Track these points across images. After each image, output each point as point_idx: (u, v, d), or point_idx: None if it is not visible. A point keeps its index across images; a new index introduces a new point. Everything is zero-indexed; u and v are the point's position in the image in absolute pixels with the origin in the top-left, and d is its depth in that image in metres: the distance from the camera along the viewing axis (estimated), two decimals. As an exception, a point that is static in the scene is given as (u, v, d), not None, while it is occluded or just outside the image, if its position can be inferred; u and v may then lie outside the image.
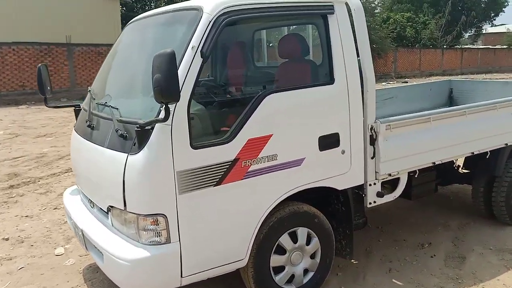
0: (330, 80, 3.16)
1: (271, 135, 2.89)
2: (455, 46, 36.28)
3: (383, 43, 27.25)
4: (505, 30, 46.05)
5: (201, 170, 2.66)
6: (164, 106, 2.39)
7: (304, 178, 3.10)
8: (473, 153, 4.10)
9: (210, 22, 2.66)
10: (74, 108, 3.73)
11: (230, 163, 2.75)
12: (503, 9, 42.75)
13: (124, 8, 22.22)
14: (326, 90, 3.16)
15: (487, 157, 4.27)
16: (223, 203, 2.79)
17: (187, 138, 2.59)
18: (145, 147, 2.53)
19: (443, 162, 3.94)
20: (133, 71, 3.22)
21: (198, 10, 2.74)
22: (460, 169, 4.90)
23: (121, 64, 3.45)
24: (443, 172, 4.58)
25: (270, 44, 4.59)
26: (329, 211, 3.48)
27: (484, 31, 47.13)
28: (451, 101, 6.52)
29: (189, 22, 2.74)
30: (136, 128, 2.52)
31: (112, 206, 2.82)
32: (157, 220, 2.60)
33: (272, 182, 2.95)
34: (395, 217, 4.99)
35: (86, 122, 3.20)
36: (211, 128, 2.91)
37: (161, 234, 2.63)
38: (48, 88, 3.49)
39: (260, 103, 2.84)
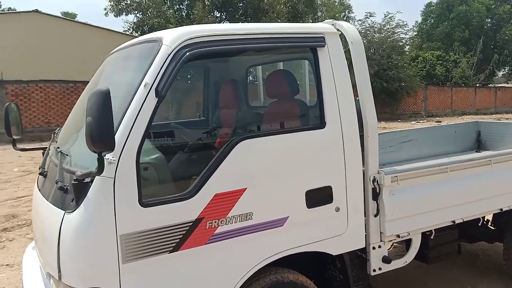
0: (321, 124, 2.67)
1: (245, 189, 2.40)
2: (489, 85, 35.14)
3: (412, 81, 26.61)
4: (541, 69, 44.51)
5: (153, 233, 2.18)
6: (97, 156, 1.96)
7: (287, 242, 2.56)
8: (501, 209, 3.46)
9: (168, 55, 2.25)
10: (42, 151, 3.36)
11: (191, 224, 2.26)
12: (538, 47, 41.45)
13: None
14: (316, 135, 2.66)
15: (520, 213, 3.61)
16: (181, 274, 2.28)
17: (135, 194, 2.13)
18: (81, 204, 2.09)
19: (464, 220, 3.31)
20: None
21: (157, 41, 2.35)
22: (489, 224, 4.22)
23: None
24: (467, 229, 3.93)
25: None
26: (325, 277, 2.92)
27: (519, 70, 45.76)
28: (479, 145, 5.86)
29: (146, 55, 2.34)
30: (73, 181, 2.09)
31: (50, 274, 2.36)
32: None
33: (246, 247, 2.43)
34: (410, 279, 4.29)
35: (40, 169, 2.80)
36: (170, 181, 2.45)
37: None
38: (18, 129, 3.14)
39: (231, 150, 2.38)
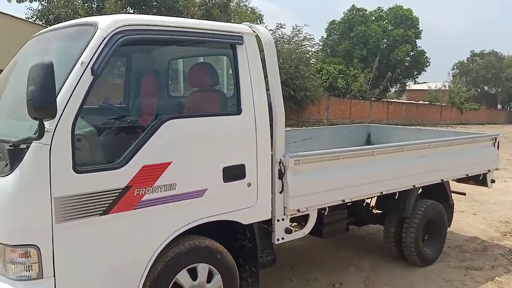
0: (237, 111, 3.08)
1: (169, 163, 2.71)
2: (382, 99, 38.73)
3: (316, 91, 28.45)
4: (426, 88, 50.09)
5: (85, 197, 2.40)
6: (38, 122, 2.15)
7: (205, 211, 2.92)
8: (382, 193, 4.16)
9: (104, 38, 2.49)
10: None
11: (120, 190, 2.52)
12: (425, 68, 46.76)
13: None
14: (232, 120, 3.07)
15: (396, 197, 4.35)
16: (109, 235, 2.52)
17: (69, 161, 2.34)
18: (17, 168, 2.24)
19: (352, 200, 3.94)
20: (21, 87, 2.94)
21: (93, 25, 2.58)
22: (373, 209, 4.97)
23: (13, 79, 3.16)
24: (355, 212, 4.62)
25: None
26: (236, 247, 3.31)
27: (408, 87, 51.02)
28: (368, 144, 6.74)
29: (83, 37, 2.55)
30: (8, 147, 2.24)
31: None
32: (28, 252, 2.28)
33: (169, 214, 2.74)
34: (310, 256, 4.91)
35: None
36: (102, 151, 2.67)
37: (32, 268, 2.30)
38: None
39: (158, 128, 2.68)
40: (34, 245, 2.28)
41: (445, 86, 48.41)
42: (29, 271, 2.30)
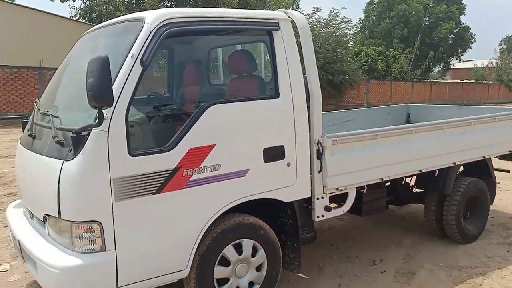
0: (275, 94, 3.23)
1: (214, 145, 2.92)
2: (425, 80, 37.56)
3: (355, 74, 27.99)
4: (472, 66, 48.03)
5: (140, 178, 2.65)
6: (97, 111, 2.40)
7: (248, 189, 3.11)
8: (420, 170, 4.20)
9: (151, 32, 2.71)
10: (21, 120, 3.68)
11: (170, 171, 2.75)
12: (470, 45, 44.79)
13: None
14: (271, 103, 3.22)
15: (436, 175, 4.38)
16: (162, 212, 2.77)
17: (124, 145, 2.59)
18: (80, 153, 2.51)
19: (390, 178, 4.02)
20: (77, 81, 3.23)
21: (140, 20, 2.81)
22: (412, 188, 5.00)
23: (68, 75, 3.46)
24: (395, 190, 4.68)
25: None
26: (278, 224, 3.50)
27: (452, 66, 49.12)
28: (408, 124, 6.71)
29: (131, 32, 2.78)
30: (71, 134, 2.52)
31: (48, 215, 2.76)
32: (92, 227, 2.56)
33: (215, 192, 2.95)
34: (350, 235, 5.03)
35: (28, 131, 3.17)
36: (152, 136, 2.91)
37: (96, 242, 2.58)
38: None
39: (202, 114, 2.88)
40: (97, 221, 2.56)
41: (492, 63, 46.20)
42: (93, 244, 2.58)
